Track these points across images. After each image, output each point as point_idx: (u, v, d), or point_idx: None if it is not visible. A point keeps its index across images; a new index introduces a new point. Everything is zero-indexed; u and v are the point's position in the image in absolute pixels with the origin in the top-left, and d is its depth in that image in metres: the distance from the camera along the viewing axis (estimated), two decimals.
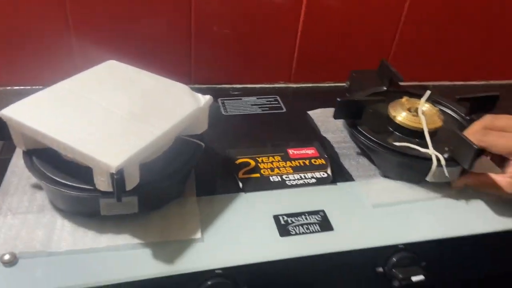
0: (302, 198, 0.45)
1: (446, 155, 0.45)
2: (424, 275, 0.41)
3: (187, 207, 0.42)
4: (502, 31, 0.83)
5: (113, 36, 0.66)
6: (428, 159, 0.45)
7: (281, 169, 0.49)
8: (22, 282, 0.35)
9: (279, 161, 0.50)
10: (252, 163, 0.49)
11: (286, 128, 0.57)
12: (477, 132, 0.45)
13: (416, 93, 0.56)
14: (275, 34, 0.74)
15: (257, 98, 0.63)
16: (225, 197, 0.44)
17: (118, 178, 0.34)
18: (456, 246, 0.43)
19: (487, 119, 0.46)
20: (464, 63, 0.85)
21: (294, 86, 0.79)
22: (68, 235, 0.38)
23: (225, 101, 0.61)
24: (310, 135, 0.56)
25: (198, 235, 0.39)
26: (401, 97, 0.53)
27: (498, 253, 0.47)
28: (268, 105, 0.61)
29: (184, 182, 0.44)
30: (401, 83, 0.60)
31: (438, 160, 0.45)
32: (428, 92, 0.54)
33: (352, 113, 0.50)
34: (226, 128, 0.56)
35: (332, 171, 0.49)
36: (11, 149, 0.47)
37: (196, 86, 0.74)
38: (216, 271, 0.37)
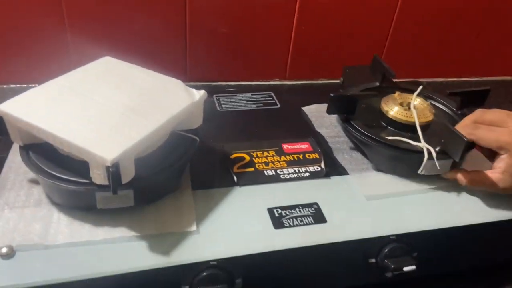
0: (296, 192, 0.46)
1: (437, 149, 0.46)
2: (415, 265, 0.42)
3: (182, 200, 0.43)
4: (494, 28, 0.84)
5: (109, 33, 0.67)
6: (420, 152, 0.46)
7: (275, 163, 0.49)
8: (19, 274, 0.35)
9: (273, 155, 0.50)
10: (247, 157, 0.50)
11: (280, 124, 0.58)
12: (468, 125, 0.46)
13: (408, 88, 0.57)
14: (270, 31, 0.74)
15: (252, 94, 0.63)
16: (220, 190, 0.45)
17: (114, 171, 0.34)
18: (447, 236, 0.44)
19: (478, 113, 0.47)
20: (457, 59, 0.86)
21: (289, 83, 0.80)
22: (65, 228, 0.39)
23: (220, 98, 0.62)
24: (304, 130, 0.56)
25: (194, 227, 0.40)
26: (394, 92, 0.54)
27: (488, 244, 0.48)
28: (262, 101, 0.62)
29: (179, 176, 0.45)
30: (394, 79, 0.61)
31: (429, 153, 0.45)
32: (420, 87, 0.55)
33: (345, 108, 0.51)
34: (221, 123, 0.57)
35: (326, 165, 0.49)
36: (8, 145, 0.47)
37: (192, 83, 0.74)
38: (211, 263, 0.38)
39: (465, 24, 0.82)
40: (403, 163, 0.48)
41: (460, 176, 0.46)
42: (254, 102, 0.62)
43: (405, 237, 0.42)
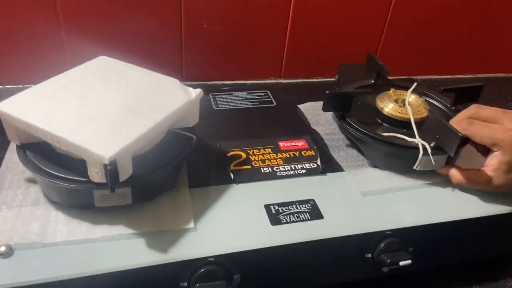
0: (293, 188, 0.46)
1: (432, 144, 0.46)
2: (411, 259, 0.42)
3: (180, 198, 0.43)
4: (487, 26, 0.84)
5: (104, 32, 0.67)
6: (415, 148, 0.46)
7: (272, 160, 0.50)
8: (18, 273, 0.35)
9: (270, 153, 0.51)
10: (243, 155, 0.50)
11: (276, 122, 0.58)
12: (462, 121, 0.46)
13: (402, 86, 0.57)
14: (265, 30, 0.75)
15: (248, 93, 0.64)
16: (217, 188, 0.45)
17: (111, 169, 0.35)
18: (442, 231, 0.45)
19: (473, 109, 0.47)
20: (451, 57, 0.87)
21: (285, 81, 0.81)
22: (63, 226, 0.39)
23: (216, 96, 0.62)
24: (300, 128, 0.57)
25: (191, 224, 0.40)
26: (388, 90, 0.55)
27: (483, 238, 0.48)
28: (258, 100, 0.62)
29: (176, 173, 0.45)
30: (389, 77, 0.61)
31: (424, 149, 0.46)
32: (414, 84, 0.55)
33: (341, 106, 0.51)
34: (217, 122, 0.57)
35: (322, 162, 0.50)
36: (5, 144, 0.47)
37: (188, 82, 0.75)
38: (209, 259, 0.38)
39: (459, 23, 0.83)
40: (399, 159, 0.48)
41: (452, 173, 0.46)
42: (250, 100, 0.62)
43: (400, 232, 0.43)
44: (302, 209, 0.43)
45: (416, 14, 0.79)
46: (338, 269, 0.44)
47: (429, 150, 0.46)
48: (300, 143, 0.53)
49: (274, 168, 0.48)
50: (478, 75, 0.92)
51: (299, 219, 0.42)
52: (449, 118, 0.50)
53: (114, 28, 0.67)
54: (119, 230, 0.39)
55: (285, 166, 0.49)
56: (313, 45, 0.78)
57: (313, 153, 0.51)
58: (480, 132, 0.45)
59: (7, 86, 0.69)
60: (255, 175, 0.47)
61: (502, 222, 0.46)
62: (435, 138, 0.46)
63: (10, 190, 0.43)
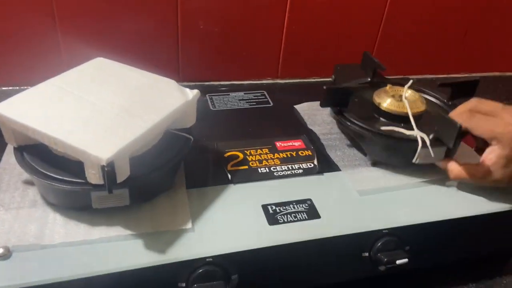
0: (290, 188, 0.46)
1: (431, 136, 0.46)
2: (408, 258, 0.42)
3: (177, 199, 0.43)
4: (481, 26, 0.85)
5: (100, 34, 0.67)
6: (414, 141, 0.46)
7: (269, 161, 0.50)
8: (16, 275, 0.35)
9: (267, 153, 0.51)
10: (241, 155, 0.50)
11: (273, 122, 0.58)
12: (463, 113, 0.46)
13: (399, 83, 0.57)
14: (262, 31, 0.75)
15: (245, 93, 0.64)
16: (214, 188, 0.45)
17: (109, 170, 0.35)
18: (438, 229, 0.45)
19: (473, 102, 0.47)
20: (446, 56, 0.87)
21: (281, 82, 0.81)
22: (61, 228, 0.39)
23: (213, 97, 0.62)
24: (297, 128, 0.57)
25: (189, 225, 0.40)
26: (385, 86, 0.55)
27: (479, 236, 0.48)
28: (255, 100, 0.62)
29: (174, 174, 0.45)
30: (385, 76, 0.61)
31: (423, 141, 0.46)
32: (411, 81, 0.55)
33: (339, 101, 0.51)
34: (215, 122, 0.57)
35: (319, 162, 0.50)
36: (2, 146, 0.47)
37: (184, 83, 0.75)
38: (207, 259, 0.38)
39: (454, 22, 0.83)
40: (398, 152, 0.48)
41: (450, 167, 0.46)
42: (247, 101, 0.62)
43: (397, 230, 0.43)
44: (299, 209, 0.44)
45: (412, 14, 0.80)
46: (336, 269, 0.44)
47: (428, 142, 0.45)
48: (297, 143, 0.53)
49: (271, 168, 0.49)
50: (474, 74, 0.92)
51: (296, 219, 0.42)
52: (446, 112, 0.50)
53: (110, 29, 0.67)
54: (117, 231, 0.39)
55: (282, 166, 0.49)
56: (310, 45, 0.78)
57: (310, 153, 0.51)
58: (480, 125, 0.45)
59: (3, 88, 0.68)
60: (252, 175, 0.47)
61: (498, 220, 0.47)
62: (433, 131, 0.46)
63: (8, 192, 0.43)
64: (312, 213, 0.43)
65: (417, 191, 0.48)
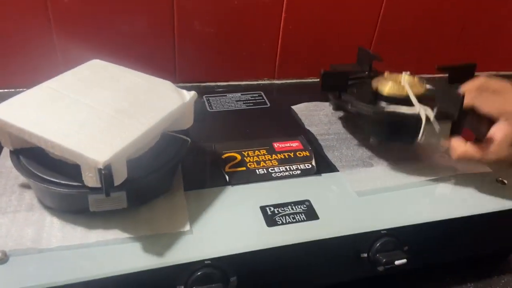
0: (288, 189, 0.46)
1: (434, 111, 0.45)
2: (406, 258, 0.42)
3: (175, 201, 0.43)
4: (476, 25, 0.85)
5: (96, 36, 0.67)
6: (418, 119, 0.45)
7: (266, 162, 0.50)
8: (13, 279, 0.35)
9: (264, 154, 0.51)
10: (238, 157, 0.50)
11: (271, 123, 0.58)
12: (470, 91, 0.45)
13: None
14: (258, 31, 0.75)
15: (242, 94, 0.64)
16: (212, 190, 0.45)
17: (106, 173, 0.35)
18: (436, 229, 0.45)
19: (481, 80, 0.46)
20: (442, 56, 0.87)
21: (278, 82, 0.81)
22: (58, 231, 0.39)
23: (210, 98, 0.62)
24: (295, 128, 0.57)
25: (187, 227, 0.40)
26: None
27: (477, 236, 0.48)
28: (252, 101, 0.62)
29: (171, 176, 0.45)
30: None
31: (427, 117, 0.45)
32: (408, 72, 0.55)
33: (338, 85, 0.51)
34: (212, 124, 0.57)
35: (317, 163, 0.50)
36: None
37: (181, 84, 0.74)
38: (205, 262, 0.38)
39: (449, 21, 0.83)
40: (402, 131, 0.47)
41: (454, 145, 0.45)
42: (244, 101, 0.62)
43: (395, 231, 0.43)
44: (298, 210, 0.43)
45: (408, 14, 0.80)
46: (334, 270, 0.44)
47: (431, 117, 0.44)
48: (295, 144, 0.53)
49: (269, 169, 0.48)
50: None
51: (294, 220, 0.42)
52: (446, 92, 0.48)
53: (106, 31, 0.67)
54: (114, 234, 0.39)
55: (280, 167, 0.49)
56: (306, 45, 0.78)
57: (308, 154, 0.51)
58: (488, 102, 0.44)
59: None
60: (250, 177, 0.47)
61: (496, 219, 0.47)
62: (436, 108, 0.45)
63: (4, 196, 0.42)
64: (311, 214, 0.43)
65: (415, 191, 0.48)
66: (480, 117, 0.45)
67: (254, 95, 0.64)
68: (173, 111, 0.42)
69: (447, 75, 0.54)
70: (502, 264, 0.53)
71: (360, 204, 0.45)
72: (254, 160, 0.50)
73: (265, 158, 0.50)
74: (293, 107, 0.61)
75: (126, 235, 0.39)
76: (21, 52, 0.65)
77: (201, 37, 0.73)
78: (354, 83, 0.54)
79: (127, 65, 0.49)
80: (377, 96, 0.52)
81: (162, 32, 0.70)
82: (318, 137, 0.55)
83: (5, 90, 0.68)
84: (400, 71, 0.83)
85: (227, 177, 0.47)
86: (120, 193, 0.38)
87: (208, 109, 0.60)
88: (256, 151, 0.51)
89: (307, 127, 0.57)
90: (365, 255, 0.43)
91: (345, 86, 0.50)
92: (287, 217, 0.43)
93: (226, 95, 0.63)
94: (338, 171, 0.49)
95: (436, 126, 0.44)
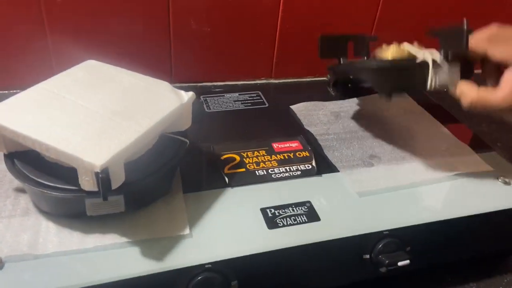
0: (288, 191, 0.45)
1: (441, 53, 0.44)
2: (409, 259, 0.42)
3: (174, 204, 0.42)
4: (473, 23, 0.85)
5: (90, 36, 0.66)
6: (425, 65, 0.43)
7: (266, 163, 0.49)
8: (9, 286, 0.34)
9: (264, 155, 0.50)
10: (237, 158, 0.49)
11: (269, 123, 0.58)
12: (482, 40, 0.43)
13: None
14: (255, 30, 0.74)
15: (240, 94, 0.63)
16: (211, 192, 0.44)
17: (103, 177, 0.34)
18: (439, 229, 0.44)
19: (492, 29, 0.44)
20: None
21: (276, 82, 0.80)
22: (54, 237, 0.38)
23: (207, 98, 0.61)
24: (294, 129, 0.56)
25: (186, 231, 0.39)
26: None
27: (480, 235, 0.48)
28: (250, 101, 0.62)
29: (170, 179, 0.44)
30: None
31: (434, 61, 0.43)
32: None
33: (337, 50, 0.50)
34: (210, 124, 0.56)
35: (317, 163, 0.49)
36: None
37: (177, 84, 0.74)
38: (206, 266, 0.38)
39: (446, 20, 0.83)
40: (410, 80, 0.45)
41: (465, 90, 0.43)
42: (242, 102, 0.61)
43: (398, 231, 0.43)
44: (299, 212, 0.43)
45: (404, 13, 0.79)
46: (337, 272, 0.44)
47: (438, 58, 0.43)
48: (294, 144, 0.52)
49: (269, 171, 0.48)
50: None
51: (296, 222, 0.42)
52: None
53: (100, 31, 0.66)
54: (112, 239, 0.38)
55: (280, 168, 0.48)
56: (304, 44, 0.77)
57: (308, 154, 0.51)
58: (500, 49, 0.42)
59: None
60: (250, 178, 0.47)
61: (499, 219, 0.46)
62: (442, 51, 0.43)
63: None
64: (312, 215, 0.43)
65: (416, 191, 0.47)
66: (493, 67, 0.44)
67: (252, 95, 0.63)
68: (171, 112, 0.41)
69: None
70: (505, 263, 0.52)
71: (362, 205, 0.45)
72: (254, 161, 0.49)
73: (264, 159, 0.50)
74: (291, 106, 0.60)
75: (124, 239, 0.38)
76: (13, 52, 0.64)
77: (197, 37, 0.72)
78: (353, 36, 0.53)
79: (121, 65, 0.48)
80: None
81: (157, 32, 0.69)
82: (317, 137, 0.54)
83: None
84: None
85: (226, 179, 0.46)
86: (118, 197, 0.38)
87: (206, 110, 0.59)
88: (255, 152, 0.50)
89: (306, 127, 0.56)
90: (368, 256, 0.43)
91: (345, 51, 0.49)
92: (288, 219, 0.42)
93: (223, 95, 0.62)
94: (338, 171, 0.49)
95: (444, 66, 0.43)
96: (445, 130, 0.57)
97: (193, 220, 0.41)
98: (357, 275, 0.45)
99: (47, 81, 0.43)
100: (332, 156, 0.51)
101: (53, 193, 0.37)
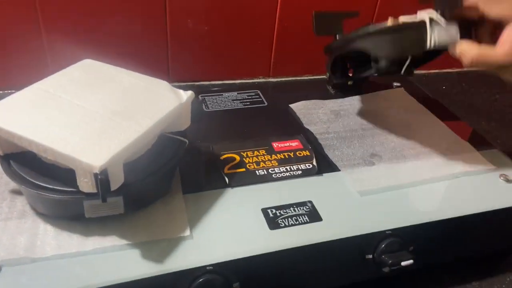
0: (289, 190, 0.45)
1: (438, 12, 0.43)
2: (413, 259, 0.42)
3: (173, 205, 0.41)
4: None
5: (87, 35, 0.65)
6: (423, 26, 0.43)
7: (266, 162, 0.48)
8: None
9: (264, 154, 0.50)
10: (237, 158, 0.49)
11: (269, 122, 0.57)
12: (479, 1, 0.42)
13: None
14: (252, 29, 0.74)
15: (238, 93, 0.62)
16: (211, 193, 0.44)
17: (102, 178, 0.33)
18: (442, 229, 0.44)
19: None
20: None
21: (274, 80, 0.80)
22: (52, 239, 0.37)
23: (205, 98, 0.61)
24: (293, 127, 0.56)
25: (187, 232, 0.39)
26: None
27: (482, 234, 0.48)
28: (249, 100, 0.61)
29: (169, 179, 0.43)
30: None
31: (431, 19, 0.43)
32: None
33: (332, 26, 0.49)
34: (209, 124, 0.56)
35: (317, 162, 0.49)
36: None
37: (175, 84, 0.73)
38: (207, 268, 0.37)
39: None
40: (410, 43, 0.45)
41: (464, 48, 0.42)
42: (241, 101, 0.61)
43: (400, 231, 0.42)
44: (300, 212, 0.42)
45: (404, 9, 0.79)
46: (339, 272, 0.43)
47: (435, 16, 0.42)
48: (294, 143, 0.52)
49: (269, 170, 0.47)
50: (465, 69, 0.92)
51: (297, 222, 0.41)
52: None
53: (97, 29, 0.65)
54: (112, 241, 0.37)
55: (280, 168, 0.48)
56: (302, 42, 0.77)
57: (308, 153, 0.50)
58: (499, 5, 0.41)
59: None
60: (250, 178, 0.46)
61: (504, 217, 0.46)
62: (439, 10, 0.43)
63: None
64: (314, 215, 0.42)
65: (418, 189, 0.47)
66: (489, 28, 0.43)
67: (251, 93, 0.62)
68: (170, 112, 0.40)
69: None
70: (507, 262, 0.52)
71: (364, 204, 0.44)
72: (254, 161, 0.48)
73: (264, 158, 0.49)
74: (291, 105, 0.60)
75: (124, 241, 0.37)
76: (7, 51, 0.63)
77: (195, 35, 0.72)
78: (347, 13, 0.53)
79: (118, 64, 0.47)
80: None
81: (154, 31, 0.69)
82: (317, 136, 0.54)
83: None
84: None
85: (226, 179, 0.45)
86: (117, 198, 0.37)
87: (204, 109, 0.58)
88: (255, 152, 0.50)
89: (306, 126, 0.56)
90: (370, 256, 0.42)
91: (340, 28, 0.48)
92: (289, 219, 0.41)
93: (222, 94, 0.61)
94: (339, 170, 0.48)
95: (442, 23, 0.42)
96: (445, 127, 0.57)
97: (193, 221, 0.40)
98: (360, 276, 0.44)
99: (42, 81, 0.42)
100: (332, 155, 0.51)
101: (51, 195, 0.36)
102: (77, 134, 0.36)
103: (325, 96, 0.62)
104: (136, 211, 0.40)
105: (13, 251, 0.36)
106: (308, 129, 0.55)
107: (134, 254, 0.37)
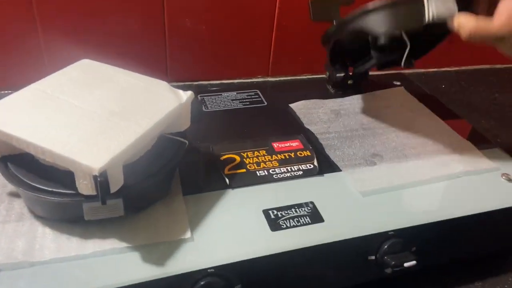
0: (291, 191, 0.45)
1: None
2: (416, 260, 0.41)
3: (174, 207, 0.41)
4: None
5: (84, 35, 0.64)
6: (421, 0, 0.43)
7: (267, 163, 0.48)
8: None
9: (264, 155, 0.49)
10: (238, 158, 0.48)
11: (269, 122, 0.56)
12: None
13: None
14: (251, 28, 0.73)
15: (237, 93, 0.62)
16: (212, 194, 0.43)
17: (102, 180, 0.33)
18: (444, 229, 0.44)
19: None
20: (436, 50, 0.87)
21: (273, 80, 0.79)
22: (51, 243, 0.37)
23: (205, 97, 0.60)
24: (294, 127, 0.55)
25: (188, 234, 0.38)
26: None
27: (486, 234, 0.47)
28: (249, 100, 0.60)
29: (169, 181, 0.43)
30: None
31: None
32: None
33: (329, 12, 0.49)
34: (208, 124, 0.55)
35: (318, 162, 0.48)
36: None
37: (173, 83, 0.72)
38: (208, 270, 0.36)
39: None
40: (408, 17, 0.44)
41: (463, 21, 0.42)
42: (240, 100, 0.60)
43: (403, 231, 0.42)
44: (302, 213, 0.42)
45: None
46: (342, 274, 0.43)
47: None
48: (295, 144, 0.51)
49: (270, 171, 0.47)
50: (464, 67, 0.92)
51: (299, 223, 0.41)
52: None
53: (94, 29, 0.65)
54: (112, 244, 0.37)
55: (281, 168, 0.47)
56: (300, 41, 0.76)
57: (309, 153, 0.50)
58: None
59: None
60: (250, 179, 0.45)
61: (506, 216, 0.46)
62: None
63: None
64: (315, 216, 0.42)
65: (420, 189, 0.46)
66: (485, 3, 0.43)
67: (250, 93, 0.62)
68: (170, 113, 0.40)
69: None
70: (510, 261, 0.52)
71: (366, 205, 0.44)
72: (254, 162, 0.48)
73: (265, 159, 0.48)
74: (291, 105, 0.59)
75: (124, 244, 0.37)
76: (3, 51, 0.63)
77: (193, 35, 0.71)
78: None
79: (116, 64, 0.47)
80: None
81: (152, 30, 0.68)
82: (318, 136, 0.53)
83: None
84: (395, 68, 0.82)
85: (227, 180, 0.45)
86: (117, 200, 0.36)
87: (204, 109, 0.58)
88: (256, 152, 0.49)
89: (307, 126, 0.55)
90: (373, 257, 0.42)
91: (337, 13, 0.48)
92: (291, 220, 0.41)
93: (221, 94, 0.61)
94: (340, 170, 0.48)
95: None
96: (446, 126, 0.56)
97: (194, 223, 0.40)
98: (362, 277, 0.44)
99: (40, 82, 0.42)
100: (333, 155, 0.50)
101: (49, 197, 0.36)
102: (76, 135, 0.35)
103: (325, 95, 0.61)
104: (136, 213, 0.40)
105: (11, 255, 0.35)
106: (308, 129, 0.55)
107: (134, 257, 0.36)
